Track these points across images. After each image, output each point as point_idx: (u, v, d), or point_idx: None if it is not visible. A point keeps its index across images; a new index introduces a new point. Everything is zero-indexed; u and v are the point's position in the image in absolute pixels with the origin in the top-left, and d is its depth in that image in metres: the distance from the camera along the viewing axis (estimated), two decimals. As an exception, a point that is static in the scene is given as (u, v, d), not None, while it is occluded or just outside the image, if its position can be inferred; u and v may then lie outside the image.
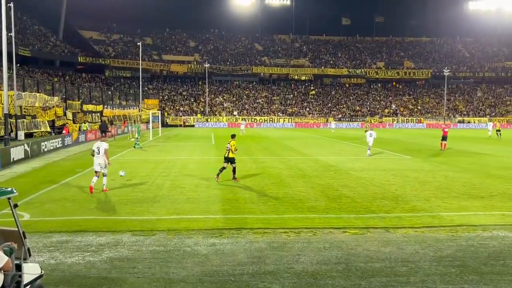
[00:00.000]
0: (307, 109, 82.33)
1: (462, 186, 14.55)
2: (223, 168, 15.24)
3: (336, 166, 19.38)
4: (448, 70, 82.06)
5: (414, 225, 9.54)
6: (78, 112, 45.73)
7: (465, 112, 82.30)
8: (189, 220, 10.02)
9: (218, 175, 15.14)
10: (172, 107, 78.62)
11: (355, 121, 76.42)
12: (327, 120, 75.63)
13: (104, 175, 13.30)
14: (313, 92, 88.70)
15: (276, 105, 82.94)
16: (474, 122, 76.47)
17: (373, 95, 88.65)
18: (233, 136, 15.76)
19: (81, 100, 48.52)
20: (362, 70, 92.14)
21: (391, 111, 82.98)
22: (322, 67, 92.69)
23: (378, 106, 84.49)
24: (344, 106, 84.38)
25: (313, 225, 9.57)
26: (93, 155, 13.27)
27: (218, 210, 10.95)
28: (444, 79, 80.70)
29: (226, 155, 15.26)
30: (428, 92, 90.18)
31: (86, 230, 9.06)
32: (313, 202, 11.89)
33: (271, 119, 76.06)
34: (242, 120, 65.28)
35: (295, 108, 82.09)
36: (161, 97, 79.57)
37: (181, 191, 13.41)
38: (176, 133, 50.22)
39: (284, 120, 76.30)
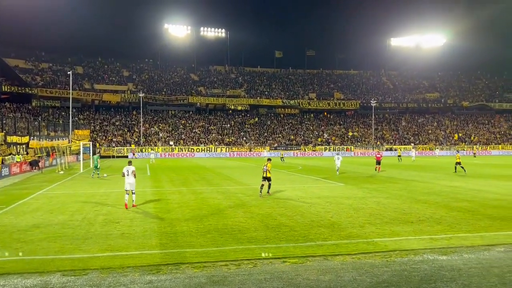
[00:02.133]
0: (244, 138, 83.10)
1: (393, 211, 15.22)
2: (262, 185, 19.38)
3: (274, 195, 19.56)
4: (375, 101, 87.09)
5: (350, 252, 9.77)
6: (2, 144, 42.74)
7: (392, 141, 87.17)
8: (124, 256, 9.56)
9: (260, 191, 19.25)
10: (104, 137, 75.94)
11: (290, 149, 78.16)
12: (274, 148, 76.68)
13: (133, 192, 16.13)
14: (252, 121, 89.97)
15: (213, 135, 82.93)
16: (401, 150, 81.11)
17: (307, 125, 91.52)
18: (269, 160, 20.04)
19: (4, 131, 45.48)
20: (296, 101, 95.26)
21: (324, 140, 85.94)
22: (258, 97, 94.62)
23: (311, 135, 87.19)
24: (280, 135, 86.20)
25: (253, 256, 9.50)
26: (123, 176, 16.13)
27: (155, 245, 10.57)
28: (372, 109, 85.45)
29: (264, 175, 19.29)
30: (357, 121, 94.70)
31: (10, 273, 8.33)
32: (253, 232, 11.85)
33: (208, 149, 75.76)
34: (151, 150, 65.61)
35: (232, 138, 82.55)
36: (92, 127, 76.72)
37: (115, 226, 12.82)
38: (108, 164, 48.38)
39: (221, 150, 76.30)
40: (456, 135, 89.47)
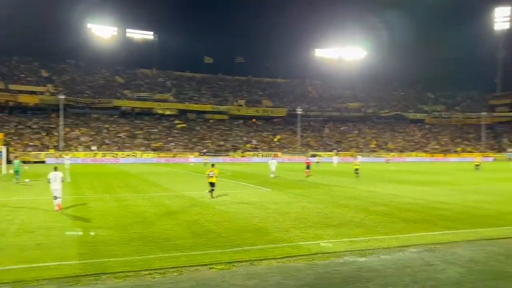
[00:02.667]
0: (172, 143, 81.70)
1: (316, 216, 15.76)
2: (212, 190, 20.50)
3: (202, 201, 19.42)
4: (301, 109, 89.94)
5: (276, 256, 9.96)
6: None
7: (316, 147, 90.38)
8: (40, 268, 8.96)
9: (210, 194, 20.38)
10: (19, 141, 70.84)
11: (220, 155, 78.12)
12: (203, 154, 75.94)
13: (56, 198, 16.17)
14: (181, 125, 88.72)
15: (140, 140, 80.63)
16: (324, 157, 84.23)
17: (236, 131, 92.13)
18: (213, 165, 21.81)
19: None
20: (225, 107, 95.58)
21: (252, 146, 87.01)
22: (187, 102, 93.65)
23: (240, 141, 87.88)
24: (209, 141, 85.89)
25: (179, 263, 9.35)
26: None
27: (74, 255, 10.03)
28: (297, 117, 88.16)
29: (210, 181, 20.48)
30: (284, 128, 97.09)
31: None
32: (179, 240, 11.66)
33: (133, 154, 73.47)
34: (65, 155, 62.15)
35: (160, 143, 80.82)
36: (6, 131, 71.24)
37: (30, 236, 11.98)
38: (24, 170, 45.14)
39: (148, 155, 74.35)
40: (374, 142, 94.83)
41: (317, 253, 10.29)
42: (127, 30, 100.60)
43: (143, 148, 77.27)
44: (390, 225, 13.96)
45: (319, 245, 11.14)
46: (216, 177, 20.96)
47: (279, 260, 9.62)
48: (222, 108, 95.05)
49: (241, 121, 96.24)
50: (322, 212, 16.52)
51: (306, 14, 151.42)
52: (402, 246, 11.04)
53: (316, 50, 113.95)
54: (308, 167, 37.05)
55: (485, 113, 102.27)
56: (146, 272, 8.67)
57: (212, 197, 20.27)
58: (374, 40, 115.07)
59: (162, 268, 8.95)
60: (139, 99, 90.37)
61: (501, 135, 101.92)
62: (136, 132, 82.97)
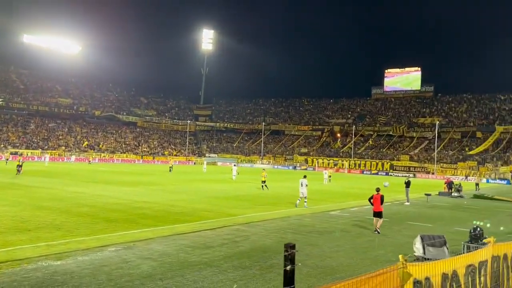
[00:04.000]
0: None
1: (11, 220, 14.17)
2: None
3: None
4: (1, 99, 78.54)
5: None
6: None
7: (18, 144, 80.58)
8: None
9: None
10: None
11: None
12: None
13: None
14: None
15: None
16: (28, 155, 76.02)
17: None
18: None
19: None
20: None
21: None
22: None
23: None
24: None
25: None
26: None
27: None
28: (-3, 108, 76.63)
29: None
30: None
31: None
32: None
33: None
34: None
35: None
36: None
37: None
38: None
39: None
40: (85, 142, 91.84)
41: (6, 261, 9.28)
42: None
43: None
44: (92, 226, 13.89)
45: (9, 252, 10.07)
46: None
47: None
48: None
49: None
50: (18, 216, 14.97)
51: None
52: (102, 246, 11.17)
53: (25, 35, 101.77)
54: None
55: (190, 121, 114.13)
56: None
57: None
58: (90, 37, 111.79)
59: None
60: None
61: (202, 141, 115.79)
62: None
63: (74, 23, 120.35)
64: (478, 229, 8.63)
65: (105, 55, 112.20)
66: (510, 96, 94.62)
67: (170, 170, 51.75)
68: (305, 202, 21.37)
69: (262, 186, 31.13)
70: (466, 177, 69.10)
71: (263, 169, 38.44)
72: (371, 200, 15.60)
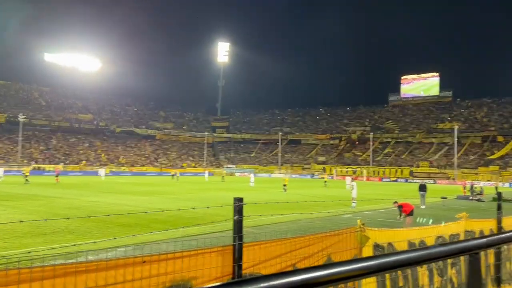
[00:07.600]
0: None
1: (28, 226, 14.69)
2: None
3: None
4: (24, 116, 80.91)
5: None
6: None
7: (41, 159, 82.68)
8: None
9: None
10: None
11: None
12: None
13: None
14: None
15: None
16: (49, 170, 77.86)
17: None
18: None
19: None
20: None
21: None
22: None
23: None
24: None
25: None
26: None
27: None
28: (19, 125, 78.89)
29: None
30: (1, 137, 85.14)
31: None
32: None
33: None
34: None
35: None
36: None
37: None
38: None
39: None
40: (104, 156, 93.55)
41: (20, 261, 9.67)
42: None
43: None
44: (104, 230, 14.33)
45: (23, 253, 10.49)
46: None
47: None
48: None
49: None
50: (35, 223, 15.46)
51: (43, 15, 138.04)
52: (112, 247, 11.52)
53: (46, 54, 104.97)
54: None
55: (207, 133, 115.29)
56: None
57: None
58: (109, 53, 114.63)
59: None
60: None
61: (219, 153, 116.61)
62: None
63: (94, 40, 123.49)
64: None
65: (124, 70, 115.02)
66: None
67: (175, 178, 55.50)
68: (354, 202, 24.07)
69: (284, 188, 35.87)
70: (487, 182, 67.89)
71: (285, 177, 45.06)
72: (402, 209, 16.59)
